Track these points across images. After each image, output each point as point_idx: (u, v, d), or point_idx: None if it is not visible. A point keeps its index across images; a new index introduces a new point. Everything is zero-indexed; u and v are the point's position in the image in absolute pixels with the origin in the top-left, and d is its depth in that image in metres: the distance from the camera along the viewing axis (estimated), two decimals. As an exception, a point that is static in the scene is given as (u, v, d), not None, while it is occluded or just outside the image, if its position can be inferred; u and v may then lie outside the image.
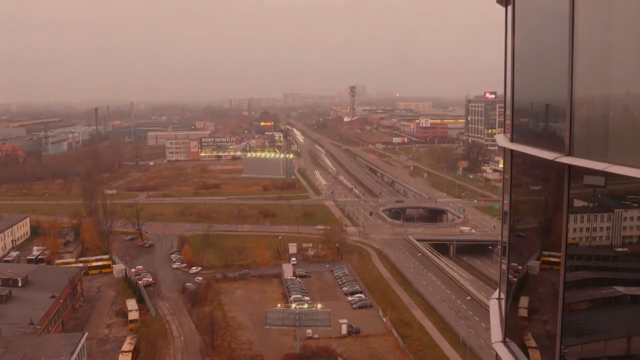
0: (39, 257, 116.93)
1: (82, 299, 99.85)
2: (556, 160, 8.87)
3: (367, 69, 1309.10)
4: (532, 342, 11.00)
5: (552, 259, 9.72)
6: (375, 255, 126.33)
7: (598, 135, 8.69)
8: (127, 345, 78.13)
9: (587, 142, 8.77)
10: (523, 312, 11.74)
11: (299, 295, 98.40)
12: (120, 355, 75.64)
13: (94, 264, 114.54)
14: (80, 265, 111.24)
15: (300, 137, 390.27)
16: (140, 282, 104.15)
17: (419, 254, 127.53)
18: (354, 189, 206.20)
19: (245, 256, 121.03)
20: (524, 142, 11.14)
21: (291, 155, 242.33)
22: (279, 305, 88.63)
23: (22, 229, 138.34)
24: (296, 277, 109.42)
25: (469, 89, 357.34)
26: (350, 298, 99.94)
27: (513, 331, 11.87)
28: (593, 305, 9.19)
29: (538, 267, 10.93)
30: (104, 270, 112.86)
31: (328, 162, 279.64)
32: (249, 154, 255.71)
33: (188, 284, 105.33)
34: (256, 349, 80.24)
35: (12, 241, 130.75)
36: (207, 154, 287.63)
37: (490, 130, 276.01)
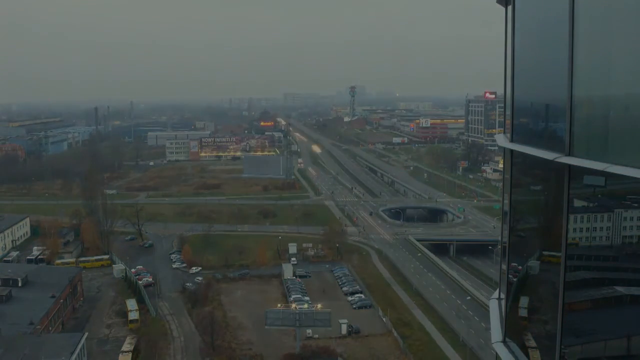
0: (39, 257, 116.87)
1: (82, 299, 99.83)
2: (556, 160, 8.87)
3: (367, 69, 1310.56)
4: (532, 342, 11.00)
5: (552, 259, 9.72)
6: (375, 256, 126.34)
7: (598, 135, 8.69)
8: (127, 345, 78.07)
9: (587, 142, 8.76)
10: (523, 312, 11.74)
11: (299, 295, 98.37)
12: (120, 355, 75.57)
13: (94, 264, 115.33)
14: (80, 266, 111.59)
15: (300, 137, 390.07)
16: (140, 282, 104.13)
17: (419, 254, 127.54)
18: (354, 189, 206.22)
19: (245, 256, 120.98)
20: (524, 142, 11.13)
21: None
22: (279, 305, 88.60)
23: (22, 229, 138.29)
24: (296, 277, 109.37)
25: (469, 89, 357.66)
26: (350, 298, 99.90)
27: (513, 331, 11.86)
28: (593, 305, 9.19)
29: (538, 267, 10.93)
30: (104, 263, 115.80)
31: (328, 162, 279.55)
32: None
33: (188, 284, 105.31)
34: (256, 349, 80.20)
35: (12, 241, 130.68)
36: (207, 154, 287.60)
37: (490, 130, 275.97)
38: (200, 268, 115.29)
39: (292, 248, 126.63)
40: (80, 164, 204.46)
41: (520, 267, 12.12)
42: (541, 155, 9.54)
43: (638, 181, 7.33)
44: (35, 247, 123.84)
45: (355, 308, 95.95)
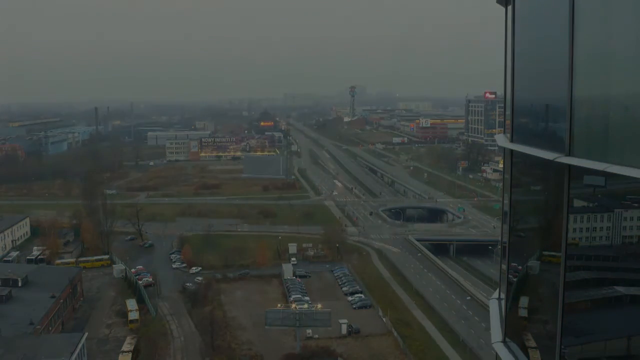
0: (39, 257, 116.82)
1: (82, 299, 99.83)
2: (556, 160, 8.87)
3: (367, 69, 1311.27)
4: (532, 342, 11.00)
5: (552, 259, 9.72)
6: (375, 255, 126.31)
7: (598, 135, 8.68)
8: (127, 345, 78.08)
9: (587, 142, 8.76)
10: (523, 312, 11.74)
11: (299, 295, 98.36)
12: (120, 355, 75.58)
13: (94, 264, 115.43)
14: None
15: (300, 137, 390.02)
16: (140, 282, 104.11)
17: (419, 254, 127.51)
18: (354, 189, 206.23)
19: (245, 256, 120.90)
20: (524, 142, 11.13)
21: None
22: (279, 305, 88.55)
23: (22, 229, 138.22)
24: (296, 277, 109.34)
25: (469, 89, 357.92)
26: (350, 298, 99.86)
27: (513, 331, 11.87)
28: (593, 305, 9.19)
29: (538, 267, 10.93)
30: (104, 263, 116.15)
31: (328, 162, 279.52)
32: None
33: (188, 284, 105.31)
34: (256, 349, 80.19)
35: (12, 241, 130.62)
36: (207, 154, 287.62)
37: (490, 130, 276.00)
38: (200, 268, 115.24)
39: (292, 248, 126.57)
40: (80, 164, 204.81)
41: (520, 267, 12.11)
42: (541, 155, 9.54)
43: (638, 181, 7.32)
44: (35, 247, 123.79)
45: (355, 308, 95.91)
